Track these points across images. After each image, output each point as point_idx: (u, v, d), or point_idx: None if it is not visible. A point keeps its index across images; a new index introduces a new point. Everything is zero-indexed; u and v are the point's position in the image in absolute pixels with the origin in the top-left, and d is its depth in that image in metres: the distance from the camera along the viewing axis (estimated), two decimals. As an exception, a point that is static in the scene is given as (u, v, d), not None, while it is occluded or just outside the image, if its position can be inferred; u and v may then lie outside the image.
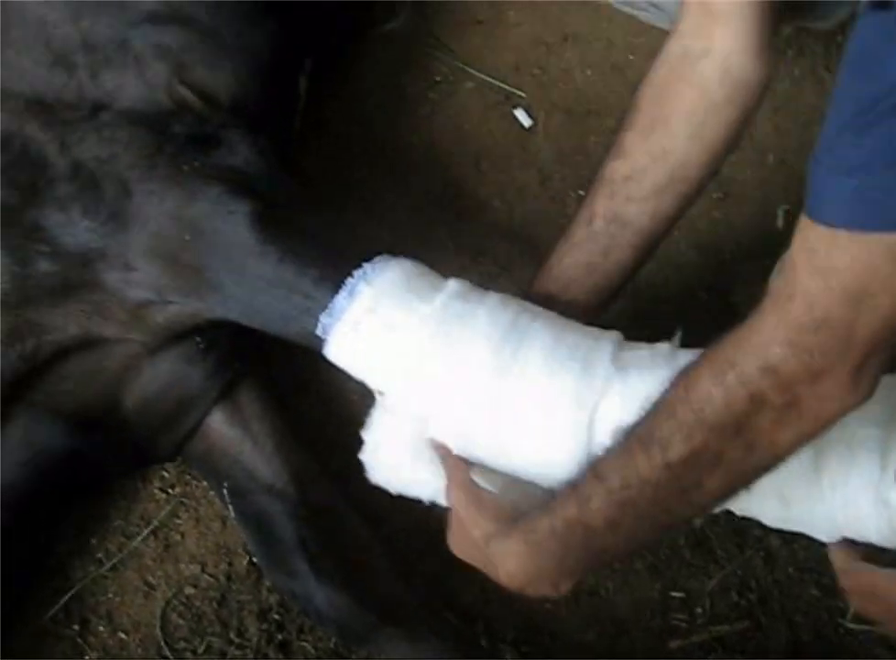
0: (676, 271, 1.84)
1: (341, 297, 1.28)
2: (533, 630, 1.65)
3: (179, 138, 1.45)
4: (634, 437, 1.11)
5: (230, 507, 1.63)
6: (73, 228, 1.38)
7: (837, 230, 0.92)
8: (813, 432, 1.05)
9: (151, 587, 1.67)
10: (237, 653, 1.62)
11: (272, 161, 1.47)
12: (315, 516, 1.58)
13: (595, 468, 1.14)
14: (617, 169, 1.35)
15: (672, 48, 1.32)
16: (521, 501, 1.23)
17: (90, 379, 1.49)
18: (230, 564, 1.67)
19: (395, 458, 1.30)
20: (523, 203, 1.92)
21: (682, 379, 1.08)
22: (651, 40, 2.05)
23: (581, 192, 1.89)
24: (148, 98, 1.51)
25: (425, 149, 1.96)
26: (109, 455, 1.59)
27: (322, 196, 1.78)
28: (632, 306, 1.76)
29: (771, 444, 1.06)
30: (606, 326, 1.34)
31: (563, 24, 2.10)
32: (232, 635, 1.63)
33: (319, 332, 1.29)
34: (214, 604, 1.65)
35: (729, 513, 1.34)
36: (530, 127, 1.98)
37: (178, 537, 1.70)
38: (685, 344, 1.27)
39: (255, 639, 1.62)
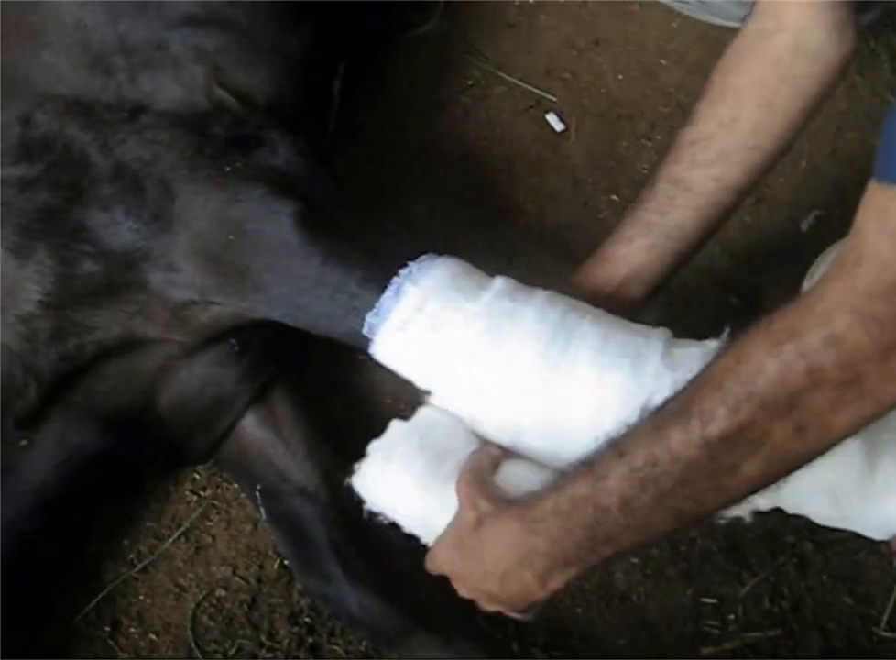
0: (708, 276, 1.84)
1: (387, 296, 1.27)
2: (564, 634, 1.64)
3: (219, 140, 1.45)
4: (667, 412, 1.03)
5: (262, 509, 1.62)
6: (117, 229, 1.38)
7: None
8: (871, 416, 0.95)
9: (182, 589, 1.67)
10: (268, 655, 1.62)
11: (312, 162, 1.47)
12: (346, 519, 1.57)
13: (616, 445, 1.06)
14: (684, 135, 1.34)
15: (747, 27, 1.32)
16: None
17: (127, 379, 1.49)
18: (261, 566, 1.67)
19: (398, 478, 1.28)
20: (556, 208, 1.92)
21: (733, 349, 1.00)
22: (683, 45, 2.06)
23: (613, 197, 1.90)
24: (187, 100, 1.51)
25: (457, 153, 1.96)
26: (143, 456, 1.58)
27: (354, 199, 1.76)
28: (664, 311, 1.75)
29: (824, 426, 0.96)
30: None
31: (595, 28, 2.11)
32: (262, 638, 1.63)
33: (365, 332, 1.29)
34: (245, 607, 1.65)
35: (763, 518, 1.33)
36: (562, 132, 1.98)
37: (209, 539, 1.70)
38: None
39: (285, 642, 1.63)
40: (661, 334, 1.28)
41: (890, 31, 2.02)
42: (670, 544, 1.67)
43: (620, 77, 2.06)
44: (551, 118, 2.00)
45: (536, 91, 2.03)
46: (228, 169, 1.40)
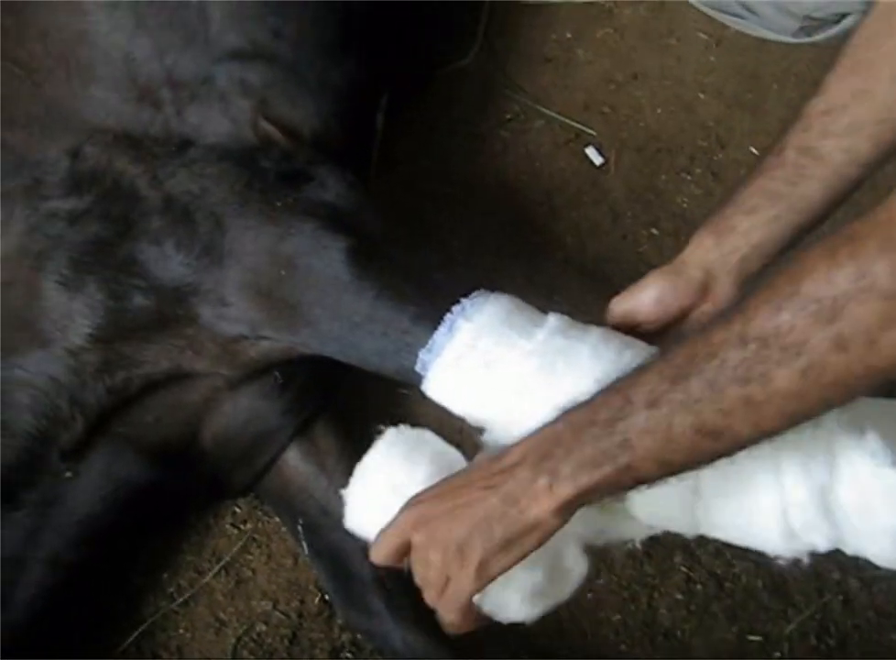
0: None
1: (440, 333, 1.27)
2: (608, 672, 1.63)
3: (268, 174, 1.45)
4: (718, 315, 0.97)
5: (303, 543, 1.61)
6: (167, 262, 1.38)
7: None
8: None
9: (222, 623, 1.66)
10: (309, 691, 1.60)
11: (362, 196, 1.47)
12: (391, 554, 1.56)
13: (664, 342, 1.00)
14: (814, 105, 1.27)
15: (880, 7, 1.29)
16: None
17: (172, 412, 1.48)
18: (302, 601, 1.66)
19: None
20: (595, 241, 1.92)
21: (797, 254, 0.92)
22: (721, 79, 2.06)
23: (653, 230, 1.90)
24: (234, 134, 1.51)
25: (497, 187, 1.97)
26: (186, 488, 1.58)
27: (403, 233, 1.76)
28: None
29: (868, 343, 0.86)
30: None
31: (632, 62, 2.11)
32: (303, 673, 1.62)
33: (418, 368, 1.28)
34: (286, 641, 1.64)
35: (810, 557, 1.31)
36: (601, 165, 1.98)
37: (249, 573, 1.69)
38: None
39: (326, 677, 1.61)
40: None
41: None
42: (715, 581, 1.65)
43: (659, 111, 2.06)
44: (591, 152, 2.00)
45: (575, 124, 2.03)
46: (279, 203, 1.40)
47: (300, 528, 1.62)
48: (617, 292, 1.43)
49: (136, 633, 1.65)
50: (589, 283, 1.86)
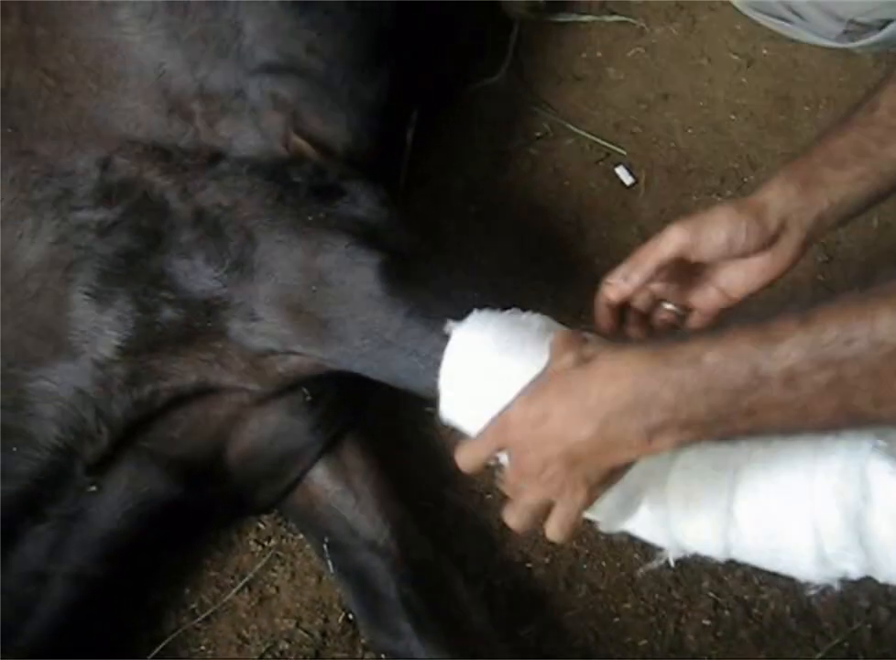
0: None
1: (448, 357, 1.25)
2: (636, 697, 1.60)
3: (300, 188, 1.44)
4: (877, 293, 0.89)
5: (329, 562, 1.60)
6: (197, 276, 1.37)
7: None
8: None
9: (245, 640, 1.64)
10: (331, 711, 1.58)
11: (394, 212, 1.46)
12: (417, 574, 1.55)
13: (802, 312, 0.91)
14: None
15: None
16: None
17: (197, 427, 1.48)
18: (325, 620, 1.65)
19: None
20: (625, 262, 1.89)
21: None
22: (753, 101, 2.05)
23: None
24: (265, 148, 1.51)
25: (525, 206, 1.95)
26: (210, 505, 1.57)
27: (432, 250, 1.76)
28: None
29: None
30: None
31: (663, 82, 2.10)
32: (326, 693, 1.60)
33: (448, 387, 1.27)
34: (309, 660, 1.62)
35: (840, 584, 1.29)
36: (632, 185, 1.97)
37: (272, 591, 1.67)
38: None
39: (349, 697, 1.59)
40: None
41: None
42: (742, 607, 1.63)
43: (690, 131, 2.05)
44: (621, 172, 1.99)
45: (605, 144, 2.02)
46: (311, 218, 1.39)
47: (325, 546, 1.60)
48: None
49: (157, 649, 1.63)
50: (618, 304, 1.84)
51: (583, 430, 0.99)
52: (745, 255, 1.22)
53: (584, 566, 1.67)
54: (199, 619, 1.66)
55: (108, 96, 1.51)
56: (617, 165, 2.00)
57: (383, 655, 1.59)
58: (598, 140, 2.03)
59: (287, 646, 1.63)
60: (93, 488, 1.44)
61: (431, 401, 1.31)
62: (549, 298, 1.85)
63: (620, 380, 0.96)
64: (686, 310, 1.32)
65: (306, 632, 1.64)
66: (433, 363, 1.29)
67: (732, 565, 1.25)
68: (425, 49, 1.79)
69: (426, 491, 1.72)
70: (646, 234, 1.93)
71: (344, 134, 1.57)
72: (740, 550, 1.21)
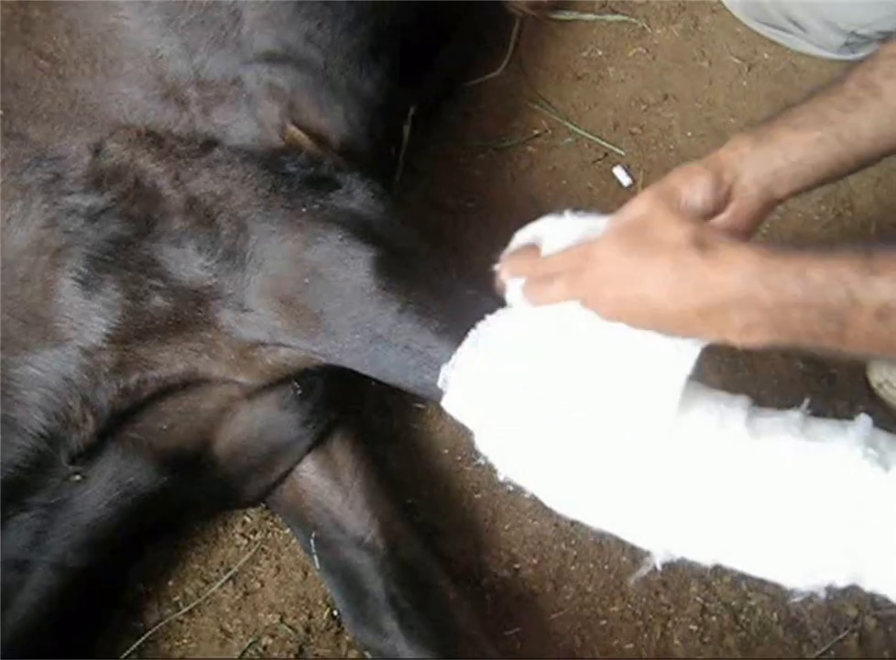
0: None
1: (464, 349, 1.24)
2: (622, 701, 1.59)
3: (294, 179, 1.43)
4: None
5: (315, 558, 1.58)
6: (188, 264, 1.36)
7: None
8: None
9: (228, 634, 1.63)
10: (314, 708, 1.57)
11: (389, 206, 1.44)
12: (404, 572, 1.54)
13: None
14: (885, 49, 1.23)
15: None
16: None
17: (185, 418, 1.46)
18: (310, 615, 1.63)
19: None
20: (621, 262, 1.88)
21: None
22: (753, 104, 2.04)
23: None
24: (260, 137, 1.49)
25: (522, 203, 1.94)
26: (196, 496, 1.55)
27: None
28: (730, 375, 1.72)
29: None
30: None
31: (663, 83, 2.09)
32: (309, 689, 1.58)
33: (440, 384, 1.25)
34: (292, 656, 1.61)
35: (826, 593, 1.28)
36: (629, 186, 1.95)
37: (257, 585, 1.66)
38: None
39: (332, 694, 1.58)
40: (744, 401, 1.24)
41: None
42: (730, 613, 1.62)
43: (689, 134, 2.04)
44: (618, 172, 1.98)
45: (604, 143, 2.01)
46: (304, 210, 1.38)
47: (312, 542, 1.59)
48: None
49: (138, 642, 1.62)
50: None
51: (685, 307, 1.03)
52: (706, 213, 1.22)
53: (572, 568, 1.66)
54: (182, 611, 1.64)
55: (102, 80, 1.49)
56: (615, 165, 1.99)
57: (367, 653, 1.57)
58: (597, 140, 2.02)
59: (270, 641, 1.62)
60: (78, 477, 1.43)
61: (422, 397, 1.29)
62: (543, 297, 1.82)
63: (733, 273, 1.00)
64: None
65: (290, 627, 1.63)
66: (425, 359, 1.28)
67: (720, 570, 1.24)
68: (425, 44, 1.77)
69: (415, 489, 1.70)
70: (642, 235, 1.91)
71: (341, 126, 1.55)
72: (728, 555, 1.20)
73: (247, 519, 1.69)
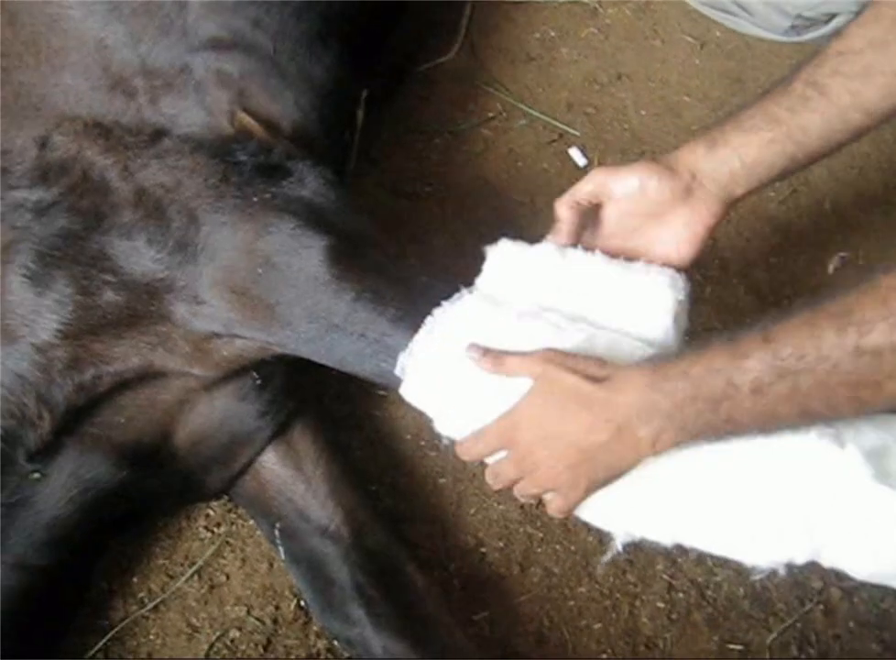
0: (735, 316, 1.80)
1: (420, 337, 1.24)
2: (590, 679, 1.59)
3: (244, 168, 1.41)
4: (824, 312, 1.04)
5: (280, 549, 1.58)
6: (139, 257, 1.34)
7: None
8: None
9: (195, 629, 1.62)
10: (283, 699, 1.56)
11: (342, 194, 1.43)
12: (370, 560, 1.54)
13: (765, 331, 1.06)
14: (832, 46, 1.27)
15: None
16: None
17: (143, 412, 1.45)
18: (277, 607, 1.63)
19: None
20: (578, 243, 1.88)
21: None
22: (706, 83, 2.05)
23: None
24: (210, 125, 1.48)
25: (478, 186, 1.93)
26: (158, 490, 1.54)
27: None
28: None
29: None
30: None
31: (617, 63, 2.09)
32: (277, 681, 1.57)
33: (397, 371, 1.25)
34: (260, 648, 1.60)
35: (789, 567, 1.28)
36: (585, 167, 1.95)
37: (223, 578, 1.65)
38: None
39: (301, 685, 1.57)
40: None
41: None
42: (696, 589, 1.63)
43: (643, 113, 2.04)
44: (574, 153, 1.97)
45: (558, 124, 2.01)
46: (256, 199, 1.37)
47: (276, 532, 1.58)
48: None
49: (104, 640, 1.60)
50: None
51: (602, 435, 1.12)
52: (661, 206, 1.29)
53: (539, 550, 1.66)
54: (148, 607, 1.63)
55: (47, 72, 1.47)
56: (570, 146, 1.99)
57: (336, 642, 1.57)
58: (552, 121, 2.02)
59: (238, 634, 1.61)
60: (37, 475, 1.41)
61: (383, 385, 1.29)
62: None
63: (630, 393, 1.10)
64: None
65: (257, 619, 1.62)
66: (381, 347, 1.27)
67: (686, 548, 1.24)
68: (376, 27, 1.76)
69: (378, 476, 1.70)
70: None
71: (292, 112, 1.54)
72: (687, 535, 1.21)
73: (211, 512, 1.67)
